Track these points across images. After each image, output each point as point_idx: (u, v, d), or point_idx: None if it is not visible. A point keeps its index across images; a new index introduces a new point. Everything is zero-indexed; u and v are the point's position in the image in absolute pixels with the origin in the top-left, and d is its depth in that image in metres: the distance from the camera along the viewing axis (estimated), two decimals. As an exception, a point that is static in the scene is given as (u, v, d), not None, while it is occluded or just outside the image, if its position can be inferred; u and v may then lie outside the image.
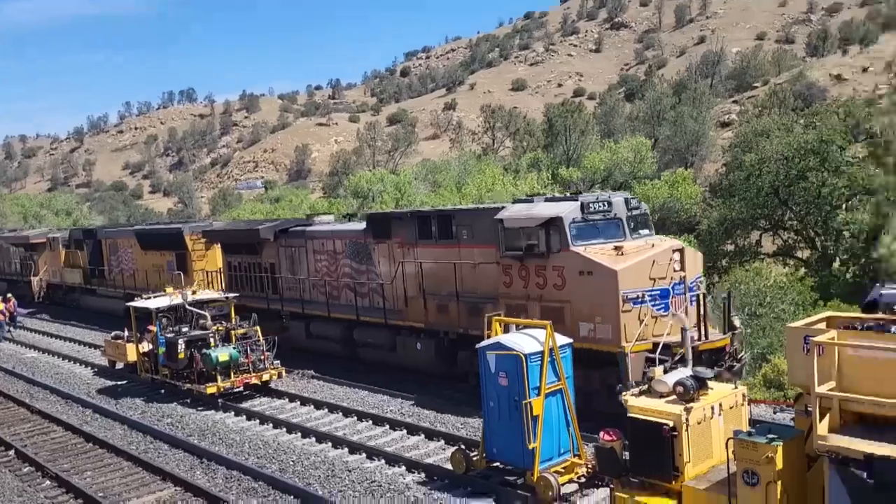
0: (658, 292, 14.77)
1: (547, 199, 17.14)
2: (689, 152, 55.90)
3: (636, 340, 13.68)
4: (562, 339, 12.37)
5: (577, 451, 12.32)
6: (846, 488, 7.38)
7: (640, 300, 14.45)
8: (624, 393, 9.99)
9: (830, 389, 7.72)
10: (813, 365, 7.59)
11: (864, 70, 68.41)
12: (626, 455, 9.85)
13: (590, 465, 12.01)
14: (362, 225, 21.47)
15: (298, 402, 18.83)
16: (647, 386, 10.05)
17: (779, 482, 8.03)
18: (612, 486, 10.38)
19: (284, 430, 16.72)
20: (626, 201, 16.32)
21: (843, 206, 30.33)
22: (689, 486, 9.10)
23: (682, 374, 9.87)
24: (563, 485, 11.72)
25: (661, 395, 9.76)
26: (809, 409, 7.86)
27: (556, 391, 12.08)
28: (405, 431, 15.87)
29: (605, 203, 15.98)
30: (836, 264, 30.01)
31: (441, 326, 18.24)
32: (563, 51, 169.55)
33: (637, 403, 9.72)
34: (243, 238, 25.35)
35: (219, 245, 27.25)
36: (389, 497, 12.36)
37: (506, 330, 12.84)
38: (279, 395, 19.52)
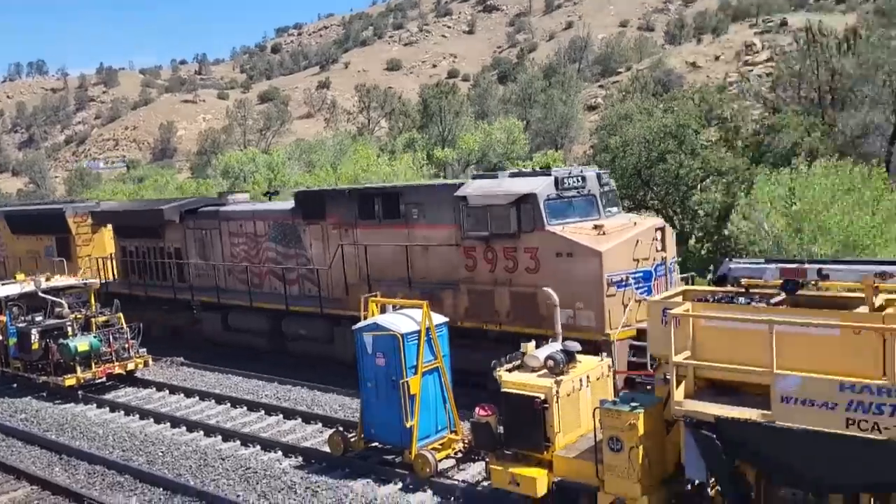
0: (641, 274, 13.74)
1: (513, 175, 15.74)
2: (559, 134, 57.67)
3: (621, 327, 12.92)
4: (438, 318, 12.53)
5: (453, 428, 12.56)
6: (699, 448, 7.94)
7: (624, 283, 13.37)
8: (498, 369, 10.26)
9: (686, 358, 8.25)
10: (670, 335, 8.08)
11: (717, 58, 72.92)
12: (501, 429, 10.16)
13: (466, 441, 12.27)
14: (289, 204, 19.71)
15: (167, 391, 18.11)
16: (519, 361, 10.38)
17: (641, 447, 8.52)
18: (487, 459, 10.69)
19: (152, 420, 16.03)
20: (599, 177, 15.20)
21: (698, 186, 32.25)
22: (559, 456, 9.51)
23: (552, 348, 10.26)
24: (440, 461, 11.92)
25: (533, 370, 10.12)
26: (668, 377, 8.36)
27: (433, 369, 12.25)
28: (281, 416, 15.60)
29: (579, 178, 14.78)
30: (692, 241, 31.94)
31: None
32: (436, 31, 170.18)
33: (510, 378, 10.03)
34: (142, 220, 22.88)
35: (110, 228, 24.75)
36: (265, 483, 12.14)
37: (382, 310, 12.87)
38: (146, 384, 18.69)
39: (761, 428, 7.48)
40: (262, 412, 15.96)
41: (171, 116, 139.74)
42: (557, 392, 9.61)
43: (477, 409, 10.50)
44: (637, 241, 13.91)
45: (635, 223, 14.70)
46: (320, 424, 14.86)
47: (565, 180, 14.55)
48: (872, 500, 7.42)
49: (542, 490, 9.58)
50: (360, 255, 17.21)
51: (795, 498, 7.90)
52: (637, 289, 13.59)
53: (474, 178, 16.28)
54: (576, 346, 10.26)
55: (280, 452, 13.56)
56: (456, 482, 11.59)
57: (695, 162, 32.01)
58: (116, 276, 23.98)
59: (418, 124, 58.95)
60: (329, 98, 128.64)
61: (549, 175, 14.69)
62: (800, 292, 8.48)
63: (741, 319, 8.00)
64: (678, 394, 8.15)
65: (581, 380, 10.00)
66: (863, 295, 8.04)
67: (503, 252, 14.68)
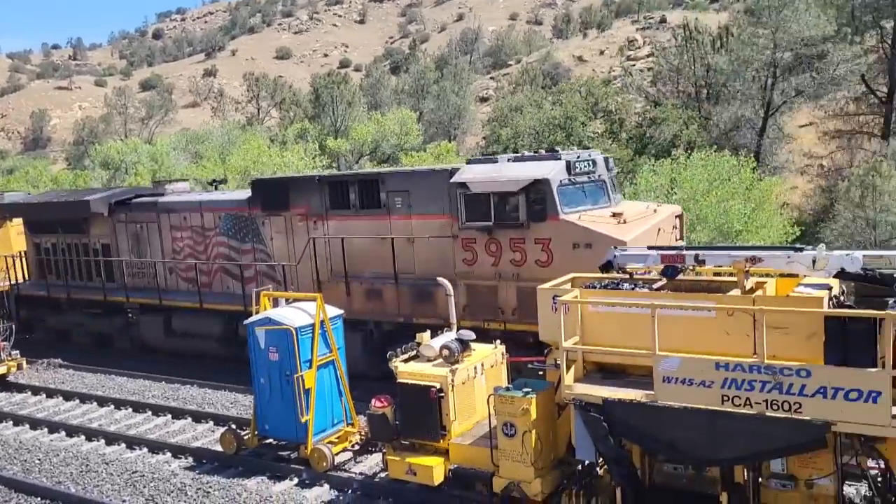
0: None
1: (516, 159, 14.52)
2: (452, 125, 58.14)
3: None
4: (333, 311, 12.40)
5: (350, 420, 12.49)
6: (588, 430, 8.22)
7: None
8: (393, 359, 10.28)
9: (575, 343, 8.51)
10: (560, 322, 8.31)
11: (601, 53, 75.33)
12: (398, 420, 10.18)
13: (363, 433, 12.24)
14: (244, 193, 18.10)
15: (44, 395, 17.11)
16: (415, 352, 10.43)
17: (533, 431, 8.75)
18: (384, 450, 10.69)
19: (27, 426, 15.11)
20: (606, 161, 14.37)
21: (586, 176, 33.36)
22: (455, 444, 9.63)
23: (447, 337, 10.37)
24: (337, 454, 11.86)
25: (429, 360, 10.19)
26: (558, 362, 8.60)
27: (329, 362, 12.14)
28: (170, 416, 15.06)
29: (590, 162, 13.83)
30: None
31: (372, 315, 15.22)
32: (327, 20, 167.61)
33: (406, 369, 10.07)
34: (62, 213, 20.64)
35: (17, 222, 22.41)
36: (153, 486, 11.68)
37: (275, 304, 12.63)
38: (20, 388, 17.60)
39: (645, 407, 7.82)
40: (149, 413, 15.36)
41: (44, 104, 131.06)
42: (453, 381, 9.72)
43: (373, 400, 10.49)
44: (659, 230, 13.25)
45: (655, 210, 14.02)
46: (212, 423, 14.45)
47: (576, 164, 13.54)
48: (745, 470, 7.91)
49: (438, 478, 9.68)
50: (334, 250, 15.87)
51: (677, 473, 8.33)
52: None
53: (469, 162, 15.00)
54: (470, 334, 10.40)
55: (169, 454, 13.09)
56: (353, 475, 11.55)
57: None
58: (29, 277, 21.88)
59: (310, 114, 57.98)
60: (216, 86, 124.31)
61: (559, 158, 13.63)
62: (679, 277, 8.91)
63: (626, 304, 8.33)
64: (568, 378, 8.40)
65: (476, 368, 10.16)
66: (735, 279, 8.53)
67: (509, 243, 13.60)
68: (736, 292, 8.30)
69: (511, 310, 13.69)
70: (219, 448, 12.70)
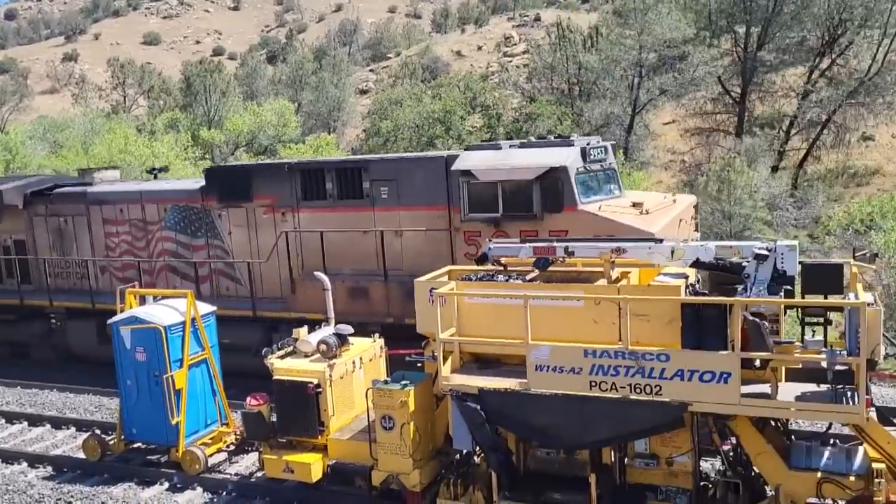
0: None
1: (523, 145, 13.56)
2: (332, 118, 57.41)
3: None
4: (205, 308, 11.99)
5: (224, 420, 12.14)
6: (465, 420, 8.37)
7: None
8: (269, 356, 10.06)
9: (452, 335, 8.63)
10: (437, 314, 8.40)
11: (479, 48, 76.51)
12: (275, 417, 9.99)
13: (238, 432, 11.93)
14: (196, 182, 16.62)
15: None
16: (291, 347, 10.27)
17: (412, 423, 8.82)
18: (260, 449, 10.47)
19: None
20: (613, 148, 13.84)
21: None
22: (333, 439, 9.57)
23: (325, 332, 10.26)
24: (210, 455, 11.50)
25: (306, 355, 10.06)
26: (436, 354, 8.70)
27: (201, 361, 11.73)
28: (26, 423, 14.09)
29: (603, 149, 13.13)
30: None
31: (357, 316, 13.59)
32: (199, 6, 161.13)
33: (282, 365, 9.90)
34: None
35: None
36: (8, 499, 10.90)
37: (142, 302, 12.07)
38: None
39: (518, 395, 8.05)
40: (2, 420, 14.30)
41: None
42: (330, 376, 9.64)
43: (248, 398, 10.25)
44: (680, 220, 12.78)
45: (674, 200, 13.54)
46: (73, 429, 13.65)
47: (590, 151, 12.86)
48: (612, 451, 8.31)
49: (317, 475, 9.58)
50: (309, 245, 14.61)
51: (549, 458, 8.62)
52: None
53: (468, 149, 13.99)
54: (348, 328, 10.34)
55: (25, 463, 12.25)
56: (228, 476, 11.25)
57: (461, 147, 33.51)
58: None
59: (181, 103, 55.68)
60: (77, 72, 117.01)
61: (572, 145, 12.93)
62: (551, 268, 9.20)
63: (500, 296, 8.53)
64: (445, 369, 8.51)
65: (354, 362, 10.11)
66: (602, 269, 8.91)
67: (520, 236, 12.57)
68: (603, 282, 8.67)
69: None
70: (81, 455, 12.03)
